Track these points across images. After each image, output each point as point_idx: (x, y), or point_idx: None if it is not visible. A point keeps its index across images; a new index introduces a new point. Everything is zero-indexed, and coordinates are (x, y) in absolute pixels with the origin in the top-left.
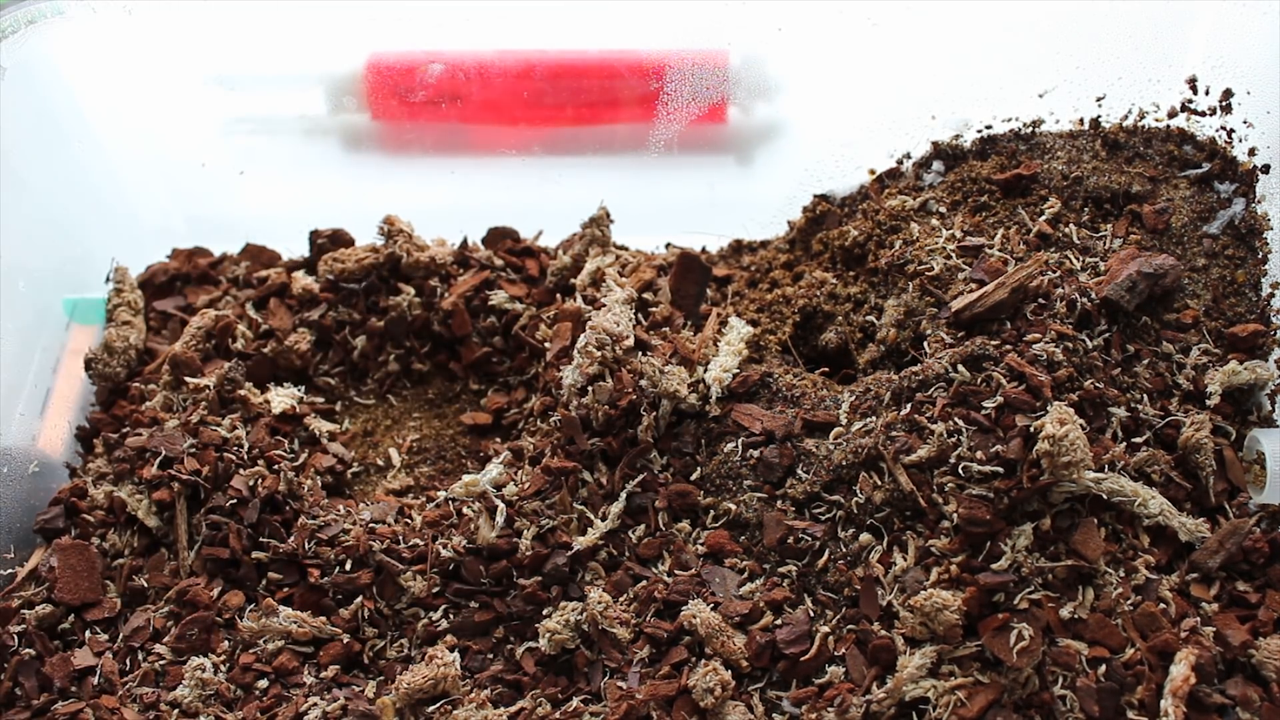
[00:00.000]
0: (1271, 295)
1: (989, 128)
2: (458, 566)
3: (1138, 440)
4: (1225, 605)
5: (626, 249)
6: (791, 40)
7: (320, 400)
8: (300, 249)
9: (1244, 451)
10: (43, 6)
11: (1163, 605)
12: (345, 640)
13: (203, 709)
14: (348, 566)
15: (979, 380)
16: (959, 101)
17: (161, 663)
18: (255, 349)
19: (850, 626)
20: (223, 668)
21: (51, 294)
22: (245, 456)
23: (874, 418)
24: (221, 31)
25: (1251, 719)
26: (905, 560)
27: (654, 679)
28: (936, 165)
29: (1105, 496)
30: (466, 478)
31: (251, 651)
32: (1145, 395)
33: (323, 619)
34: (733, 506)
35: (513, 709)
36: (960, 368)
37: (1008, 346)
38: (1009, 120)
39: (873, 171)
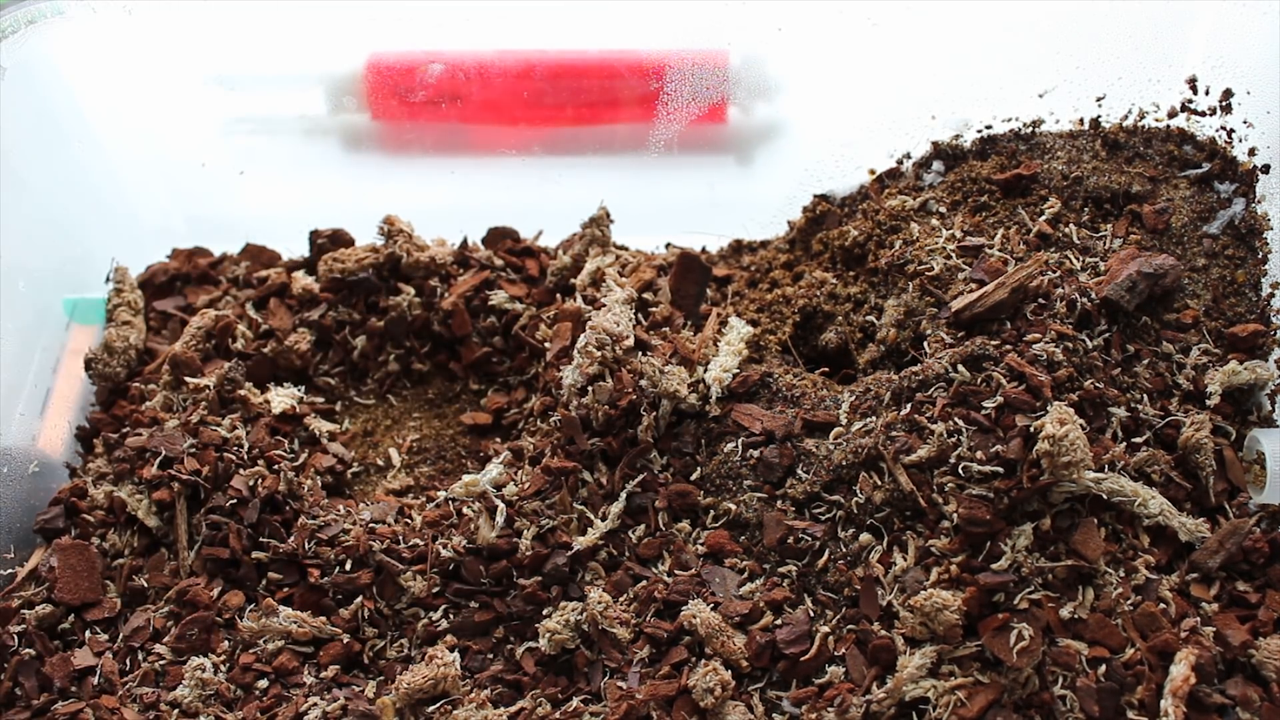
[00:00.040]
0: (1271, 295)
1: (989, 128)
2: (458, 566)
3: (1138, 440)
4: (1225, 605)
5: (626, 249)
6: (791, 40)
7: (320, 400)
8: (300, 249)
9: (1244, 451)
10: (43, 6)
11: (1163, 605)
12: (345, 640)
13: (203, 709)
14: (348, 566)
15: (979, 380)
16: (959, 101)
17: (161, 663)
18: (255, 349)
19: (850, 626)
20: (223, 668)
21: (51, 294)
22: (245, 456)
23: (874, 418)
24: (221, 31)
25: (1251, 719)
26: (905, 560)
27: (654, 679)
28: (936, 165)
29: (1105, 496)
30: (466, 478)
31: (251, 651)
32: (1145, 395)
33: (323, 619)
34: (733, 506)
35: (513, 709)
36: (960, 368)
37: (1008, 346)
38: (1009, 120)
39: (873, 171)
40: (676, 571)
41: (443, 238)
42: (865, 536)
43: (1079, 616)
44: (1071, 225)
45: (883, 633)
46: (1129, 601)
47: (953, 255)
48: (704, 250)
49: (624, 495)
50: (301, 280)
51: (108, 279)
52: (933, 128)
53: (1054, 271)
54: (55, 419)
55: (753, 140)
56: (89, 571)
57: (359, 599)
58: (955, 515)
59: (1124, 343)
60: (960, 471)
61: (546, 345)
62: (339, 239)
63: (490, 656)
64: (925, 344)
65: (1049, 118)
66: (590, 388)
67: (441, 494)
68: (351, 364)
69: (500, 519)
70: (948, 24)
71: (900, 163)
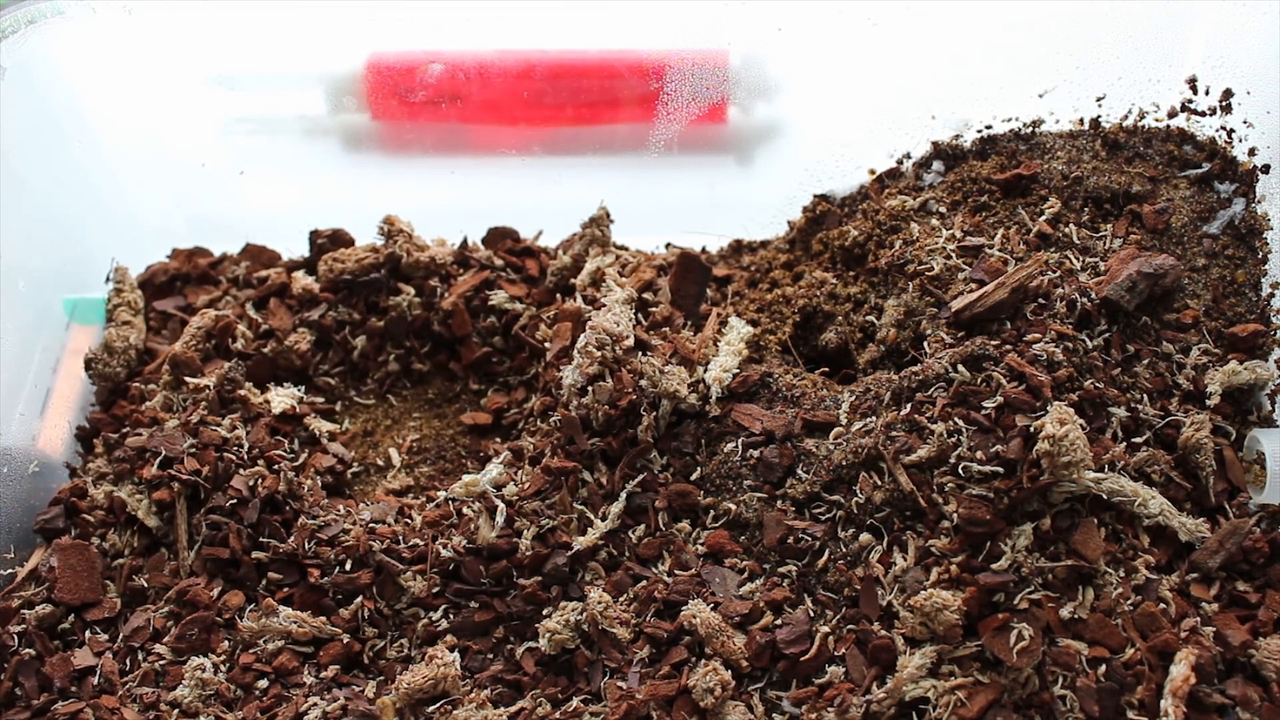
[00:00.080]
0: (1271, 295)
1: (989, 128)
2: (458, 566)
3: (1138, 440)
4: (1225, 605)
5: (626, 249)
6: (791, 40)
7: (320, 400)
8: (300, 249)
9: (1244, 451)
10: (43, 6)
11: (1163, 605)
12: (345, 640)
13: (203, 709)
14: (348, 566)
15: (979, 380)
16: (959, 101)
17: (161, 663)
18: (255, 349)
19: (850, 626)
20: (223, 668)
21: (51, 294)
22: (245, 456)
23: (874, 418)
24: (221, 31)
25: (1251, 719)
26: (905, 560)
27: (654, 679)
28: (936, 165)
29: (1105, 496)
30: (466, 478)
31: (251, 651)
32: (1145, 395)
33: (323, 619)
34: (733, 506)
35: (513, 709)
36: (960, 368)
37: (1008, 346)
38: (1009, 120)
39: (873, 171)
40: (676, 571)
41: (443, 238)
42: (865, 536)
43: (1079, 616)
44: (1071, 225)
45: (883, 633)
46: (1129, 601)
47: (953, 255)
48: (704, 250)
49: (624, 495)
50: (301, 280)
51: (108, 279)
52: (933, 128)
53: (1054, 271)
54: (55, 419)
55: (753, 140)
56: (89, 571)
57: (359, 599)
58: (955, 515)
59: (1124, 343)
60: (960, 471)
61: (546, 345)
62: (339, 239)
63: (490, 656)
64: (925, 344)
65: (1049, 118)
66: (590, 388)
67: (441, 494)
68: (351, 364)
69: (500, 519)
70: (948, 24)
71: (900, 163)
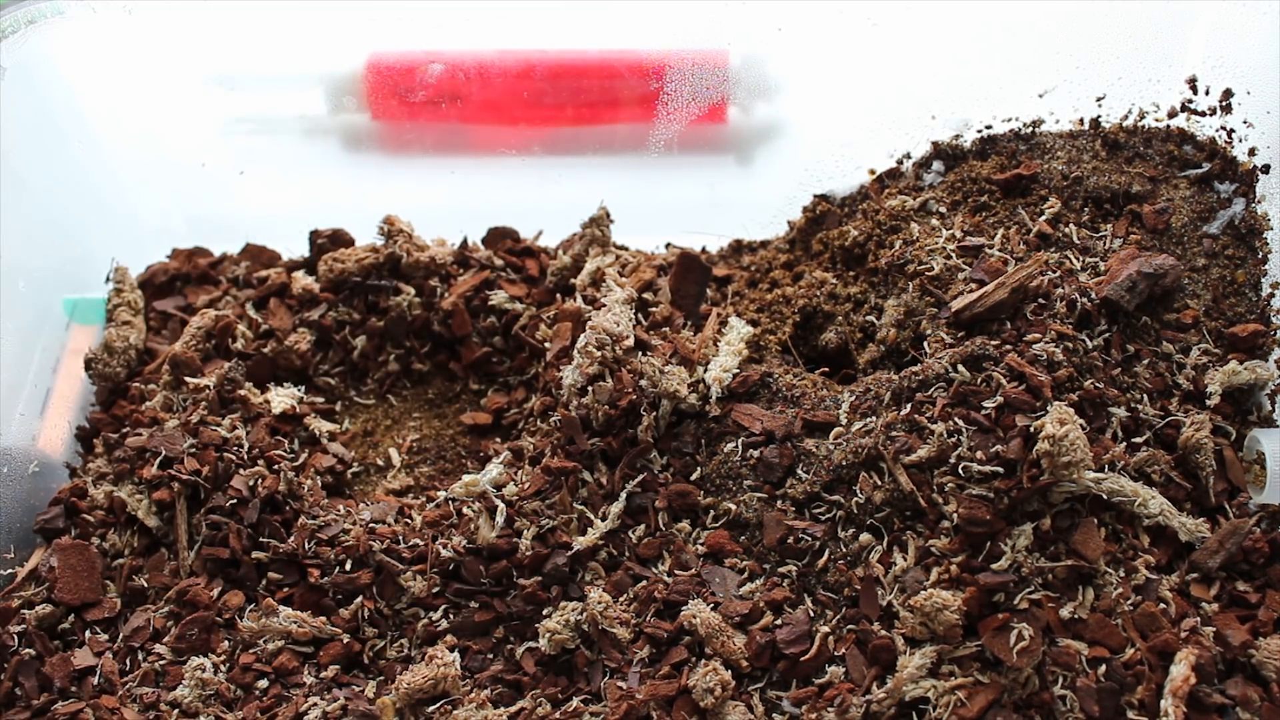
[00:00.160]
0: (1271, 295)
1: (989, 128)
2: (458, 566)
3: (1138, 440)
4: (1225, 605)
5: (626, 249)
6: (791, 40)
7: (320, 400)
8: (300, 249)
9: (1244, 451)
10: (43, 6)
11: (1163, 605)
12: (345, 640)
13: (203, 709)
14: (348, 566)
15: (979, 380)
16: (959, 101)
17: (161, 663)
18: (255, 349)
19: (850, 626)
20: (223, 668)
21: (51, 294)
22: (245, 456)
23: (874, 418)
24: (221, 31)
25: (1251, 719)
26: (905, 560)
27: (654, 679)
28: (936, 165)
29: (1105, 496)
30: (466, 478)
31: (251, 651)
32: (1145, 395)
33: (323, 619)
34: (733, 506)
35: (513, 709)
36: (960, 368)
37: (1008, 346)
38: (1009, 120)
39: (873, 171)
40: (676, 571)
41: (443, 238)
42: (865, 536)
43: (1079, 616)
44: (1071, 225)
45: (883, 633)
46: (1129, 601)
47: (953, 255)
48: (704, 250)
49: (624, 495)
50: (301, 280)
51: (108, 279)
52: (933, 128)
53: (1054, 271)
54: (55, 419)
55: (753, 140)
56: (89, 571)
57: (359, 599)
58: (955, 515)
59: (1124, 343)
60: (960, 471)
61: (546, 345)
62: (339, 239)
63: (490, 656)
64: (925, 344)
65: (1049, 118)
66: (590, 388)
67: (441, 494)
68: (351, 364)
69: (500, 519)
70: (948, 24)
71: (900, 163)
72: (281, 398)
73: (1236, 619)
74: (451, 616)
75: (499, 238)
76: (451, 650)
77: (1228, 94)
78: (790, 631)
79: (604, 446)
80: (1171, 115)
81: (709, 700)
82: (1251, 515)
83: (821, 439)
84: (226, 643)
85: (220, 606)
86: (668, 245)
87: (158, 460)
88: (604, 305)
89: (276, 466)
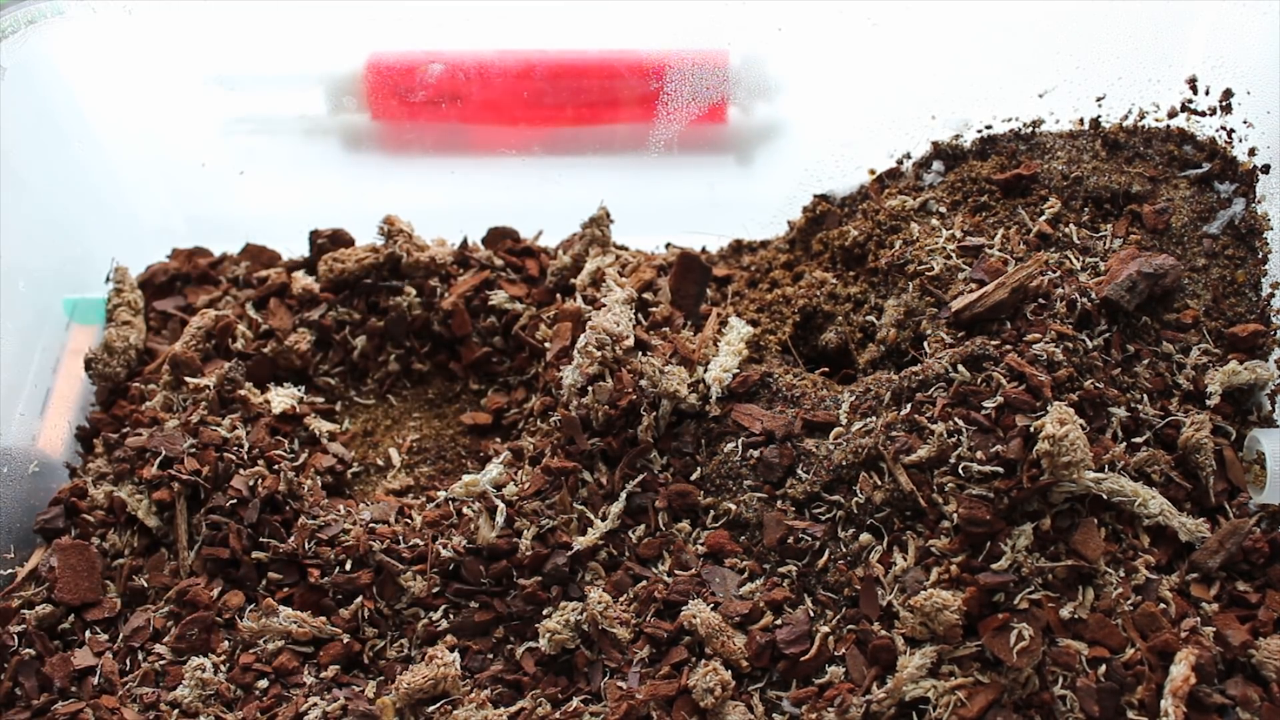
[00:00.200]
0: (1271, 295)
1: (989, 128)
2: (458, 566)
3: (1138, 440)
4: (1225, 605)
5: (626, 249)
6: (791, 40)
7: (320, 400)
8: (300, 249)
9: (1244, 451)
10: (43, 6)
11: (1163, 605)
12: (345, 640)
13: (203, 709)
14: (348, 566)
15: (979, 380)
16: (959, 101)
17: (161, 663)
18: (255, 349)
19: (850, 626)
20: (223, 668)
21: (51, 294)
22: (245, 456)
23: (874, 418)
24: (221, 31)
25: (1251, 719)
26: (905, 560)
27: (654, 679)
28: (936, 165)
29: (1105, 496)
30: (466, 478)
31: (251, 651)
32: (1145, 395)
33: (323, 619)
34: (733, 506)
35: (513, 709)
36: (960, 368)
37: (1008, 346)
38: (1009, 120)
39: (873, 171)
40: (676, 571)
41: (443, 238)
42: (865, 536)
43: (1079, 616)
44: (1071, 225)
45: (883, 633)
46: (1129, 601)
47: (953, 255)
48: (704, 250)
49: (624, 495)
50: (301, 280)
51: (108, 279)
52: (933, 128)
53: (1054, 271)
54: (55, 419)
55: (753, 140)
56: (89, 571)
57: (359, 599)
58: (955, 515)
59: (1124, 343)
60: (960, 471)
61: (546, 345)
62: (339, 239)
63: (490, 656)
64: (925, 344)
65: (1049, 118)
66: (590, 388)
67: (441, 494)
68: (351, 364)
69: (500, 519)
70: (948, 24)
71: (900, 163)
72: (281, 398)
73: (1236, 619)
74: (451, 616)
75: (499, 238)
76: (451, 650)
77: (1228, 94)
78: (790, 631)
79: (604, 446)
80: (1171, 115)
81: (709, 700)
82: (1251, 515)
83: (821, 439)
84: (226, 643)
85: (220, 606)
86: (668, 245)
87: (158, 460)
88: (604, 305)
89: (276, 466)
